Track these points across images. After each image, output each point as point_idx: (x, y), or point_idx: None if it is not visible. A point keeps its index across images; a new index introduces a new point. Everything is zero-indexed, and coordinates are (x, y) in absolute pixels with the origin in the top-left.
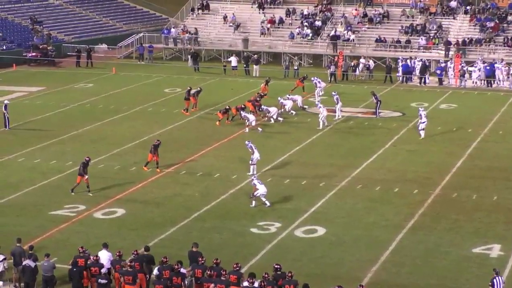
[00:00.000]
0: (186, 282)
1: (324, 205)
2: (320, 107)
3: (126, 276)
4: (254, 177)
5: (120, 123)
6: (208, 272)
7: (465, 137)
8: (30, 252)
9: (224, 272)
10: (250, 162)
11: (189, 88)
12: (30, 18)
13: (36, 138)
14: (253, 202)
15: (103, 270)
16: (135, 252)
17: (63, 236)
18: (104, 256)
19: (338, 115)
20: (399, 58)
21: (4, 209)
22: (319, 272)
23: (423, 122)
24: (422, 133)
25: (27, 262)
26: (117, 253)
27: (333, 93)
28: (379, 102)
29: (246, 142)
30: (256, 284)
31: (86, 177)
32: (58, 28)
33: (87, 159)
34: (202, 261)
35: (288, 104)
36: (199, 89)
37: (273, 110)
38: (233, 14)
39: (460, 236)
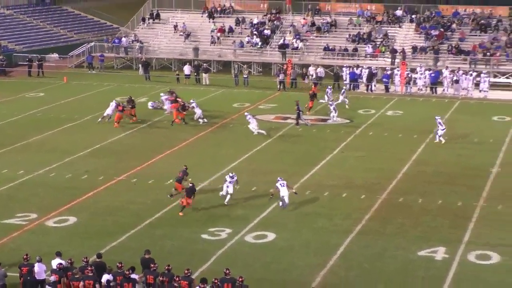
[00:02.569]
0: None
1: (274, 211)
2: (249, 118)
3: (87, 280)
4: (280, 178)
5: (72, 132)
6: (160, 278)
7: (411, 143)
8: None
9: (177, 278)
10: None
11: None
12: None
13: None
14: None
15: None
16: (85, 259)
17: (15, 244)
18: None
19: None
20: (344, 66)
21: None
22: (270, 278)
23: (443, 129)
24: (442, 138)
25: None
26: (68, 261)
27: (330, 102)
28: (300, 112)
29: (231, 175)
30: None
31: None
32: (8, 37)
33: (185, 167)
34: (154, 267)
35: (198, 112)
36: (128, 98)
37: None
38: (184, 23)
39: (406, 240)
